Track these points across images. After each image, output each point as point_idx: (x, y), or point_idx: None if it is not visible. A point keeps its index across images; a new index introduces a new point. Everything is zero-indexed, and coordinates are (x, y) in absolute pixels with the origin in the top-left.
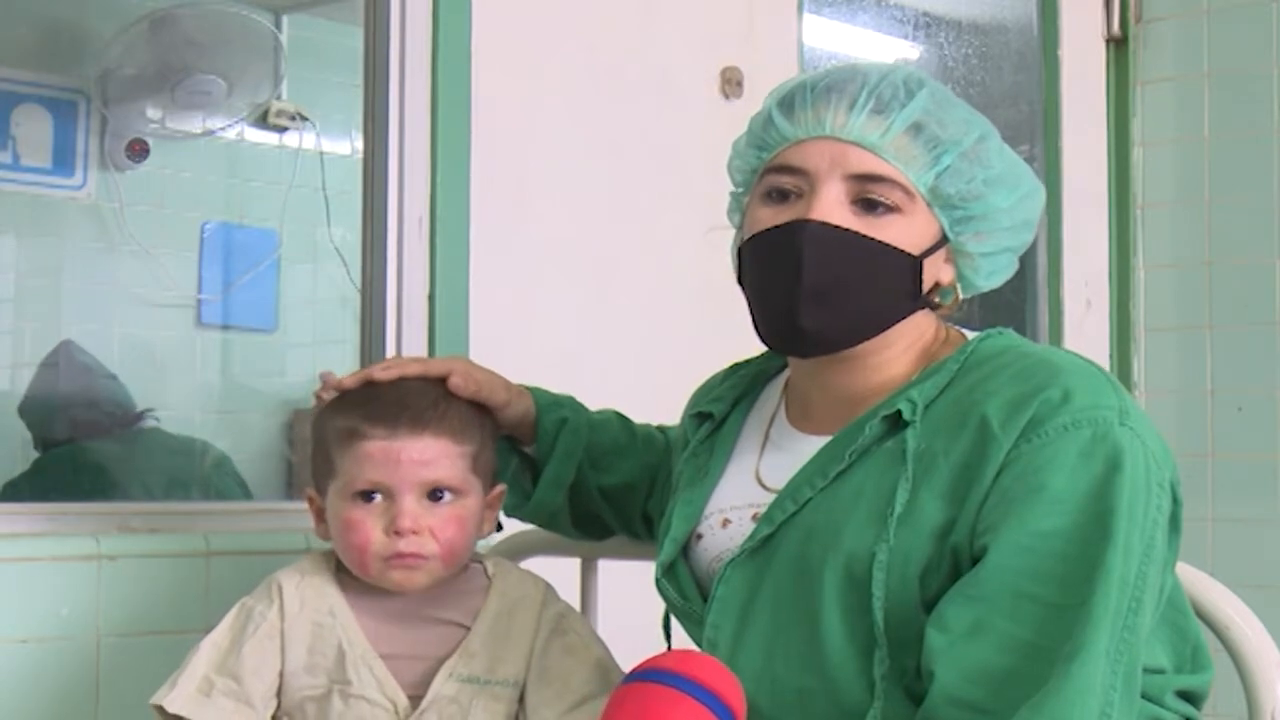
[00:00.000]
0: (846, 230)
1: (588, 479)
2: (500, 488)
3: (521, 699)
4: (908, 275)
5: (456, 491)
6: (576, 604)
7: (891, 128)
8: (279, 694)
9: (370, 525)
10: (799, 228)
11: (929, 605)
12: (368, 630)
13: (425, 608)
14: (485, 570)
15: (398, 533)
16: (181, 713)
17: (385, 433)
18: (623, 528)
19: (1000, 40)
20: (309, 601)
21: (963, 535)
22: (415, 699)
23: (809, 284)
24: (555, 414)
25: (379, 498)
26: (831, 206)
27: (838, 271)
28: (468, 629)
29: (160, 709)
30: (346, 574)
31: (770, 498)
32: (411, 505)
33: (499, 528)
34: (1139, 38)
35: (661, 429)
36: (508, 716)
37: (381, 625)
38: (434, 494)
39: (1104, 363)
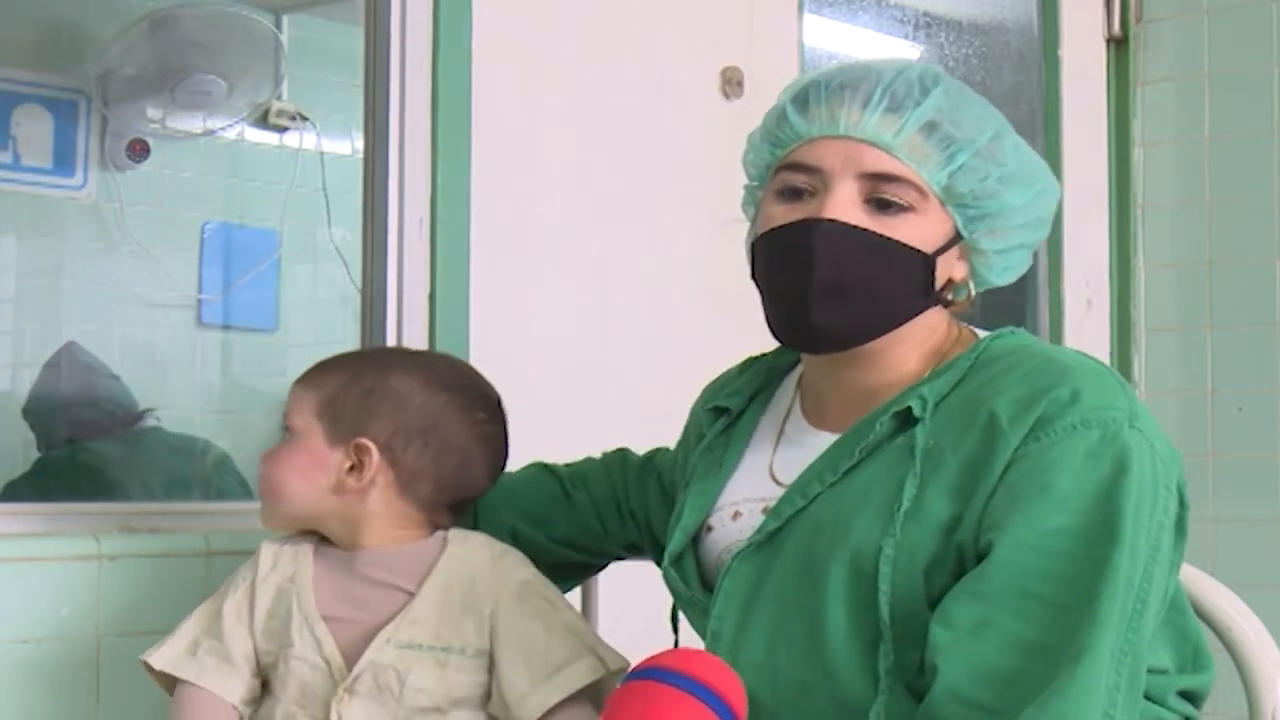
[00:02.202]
0: (859, 229)
1: (534, 538)
2: (364, 440)
3: (492, 669)
4: (920, 273)
5: (292, 430)
6: (577, 603)
7: (905, 127)
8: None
9: None
10: (812, 226)
11: (934, 601)
12: (321, 593)
13: (373, 571)
14: (444, 539)
15: None
16: (165, 669)
17: None
18: (596, 559)
19: (1000, 40)
20: (281, 565)
21: (968, 531)
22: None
23: (821, 282)
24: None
25: None
26: (845, 205)
27: (850, 270)
28: (412, 595)
29: (148, 667)
30: (326, 542)
31: (780, 492)
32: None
33: None
34: (1139, 38)
35: (621, 455)
36: (458, 684)
37: (333, 588)
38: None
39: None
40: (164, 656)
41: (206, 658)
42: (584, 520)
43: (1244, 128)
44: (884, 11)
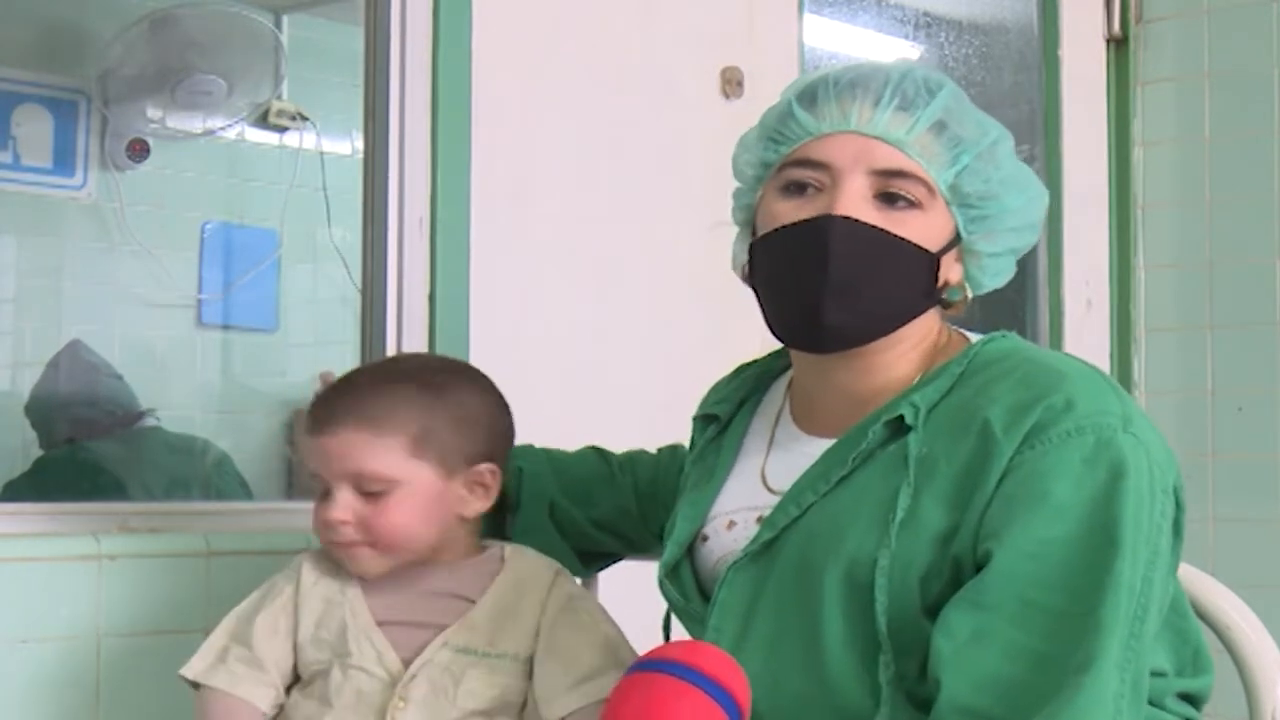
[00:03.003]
0: (873, 227)
1: (573, 516)
2: (487, 465)
3: (530, 675)
4: (926, 272)
5: (390, 480)
6: None
7: (916, 125)
8: (296, 668)
9: (319, 513)
10: (827, 223)
11: (929, 610)
12: (375, 602)
13: (436, 583)
14: (502, 554)
15: (327, 524)
16: (196, 679)
17: (315, 428)
18: (632, 549)
19: (1000, 40)
20: (326, 577)
21: (965, 541)
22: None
23: (835, 280)
24: (509, 467)
25: (326, 489)
26: (855, 201)
27: (863, 267)
28: (473, 603)
29: (184, 679)
30: None
31: (774, 500)
32: (344, 496)
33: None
34: (1139, 38)
35: (672, 448)
36: (505, 689)
37: (390, 597)
38: (364, 488)
39: (1104, 363)
40: (193, 667)
41: (237, 665)
42: (624, 503)
43: (1244, 128)
44: (884, 11)
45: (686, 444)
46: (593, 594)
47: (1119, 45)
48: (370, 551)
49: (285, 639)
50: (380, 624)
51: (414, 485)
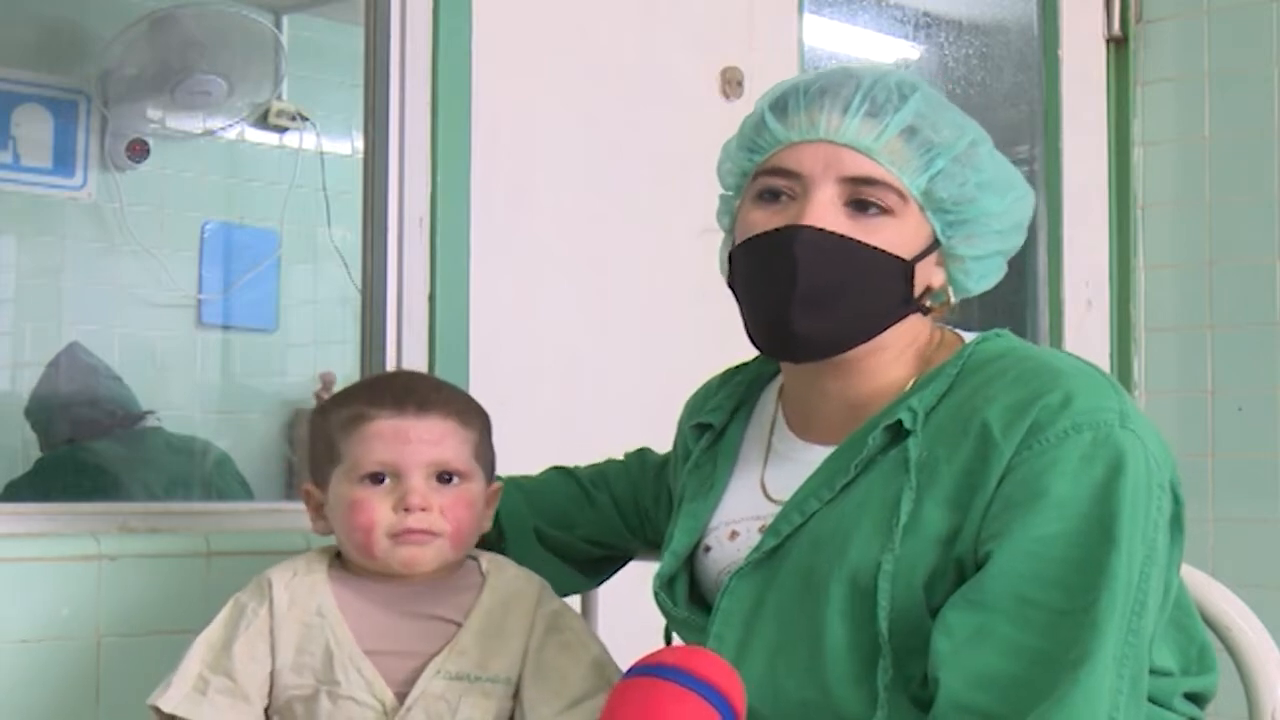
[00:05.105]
0: (841, 236)
1: (561, 538)
2: (497, 485)
3: (517, 696)
4: (900, 280)
5: (463, 475)
6: (577, 606)
7: (885, 131)
8: (270, 692)
9: (377, 504)
10: (793, 233)
11: (935, 613)
12: (357, 626)
13: (417, 604)
14: (480, 567)
15: (407, 509)
16: (178, 712)
17: (393, 412)
18: (628, 556)
19: (1000, 40)
20: (299, 600)
21: (967, 543)
22: (404, 696)
23: (802, 289)
24: None
25: (387, 480)
26: (825, 210)
27: (831, 277)
28: (459, 625)
29: (157, 710)
30: (341, 571)
31: (776, 509)
32: (420, 484)
33: None
34: (1139, 38)
35: (639, 452)
36: (499, 714)
37: (371, 621)
38: (442, 476)
39: (1104, 363)
40: (173, 698)
41: (219, 697)
42: (608, 520)
43: (1244, 128)
44: (884, 11)
45: (669, 448)
46: (576, 611)
47: (1119, 45)
48: (439, 543)
49: (264, 666)
50: (368, 653)
51: (474, 485)
